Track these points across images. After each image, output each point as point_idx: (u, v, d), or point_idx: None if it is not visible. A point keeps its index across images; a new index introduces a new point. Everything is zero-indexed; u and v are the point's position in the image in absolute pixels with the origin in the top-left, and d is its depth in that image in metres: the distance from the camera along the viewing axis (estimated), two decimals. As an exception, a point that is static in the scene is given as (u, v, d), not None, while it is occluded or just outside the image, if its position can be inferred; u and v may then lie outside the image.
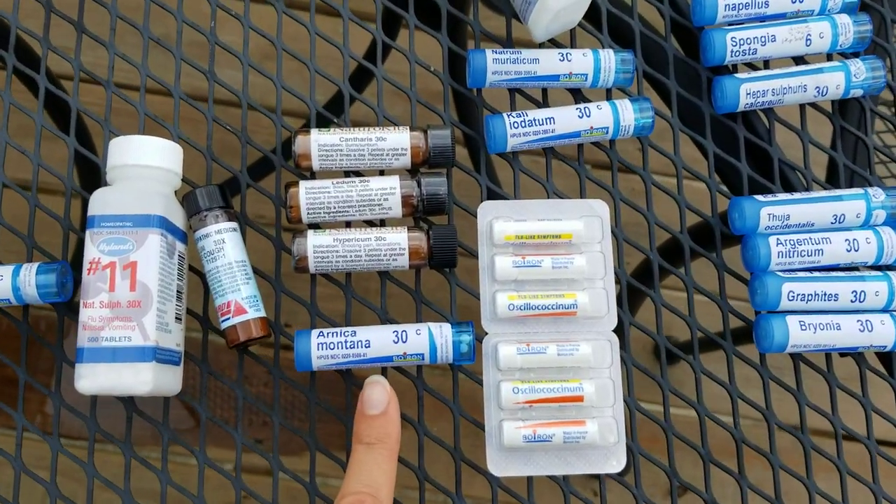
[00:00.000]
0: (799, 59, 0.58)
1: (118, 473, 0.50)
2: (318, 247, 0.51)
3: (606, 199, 0.55)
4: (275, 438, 0.52)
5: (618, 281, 0.54)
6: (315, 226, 0.53)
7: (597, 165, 0.57)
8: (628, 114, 0.54)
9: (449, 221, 0.54)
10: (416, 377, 0.52)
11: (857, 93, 0.56)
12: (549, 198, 0.55)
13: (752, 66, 0.58)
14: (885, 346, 0.53)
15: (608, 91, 0.57)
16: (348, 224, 0.53)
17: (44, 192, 0.56)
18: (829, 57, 0.58)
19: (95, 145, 0.65)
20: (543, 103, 0.57)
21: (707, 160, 0.57)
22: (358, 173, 0.54)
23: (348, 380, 0.52)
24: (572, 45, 0.58)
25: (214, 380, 0.52)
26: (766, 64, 0.58)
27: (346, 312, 0.53)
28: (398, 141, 0.52)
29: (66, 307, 0.51)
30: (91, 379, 0.46)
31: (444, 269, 0.53)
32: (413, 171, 0.54)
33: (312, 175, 0.54)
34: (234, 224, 0.51)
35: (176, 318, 0.49)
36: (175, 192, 0.52)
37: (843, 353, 0.55)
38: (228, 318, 0.50)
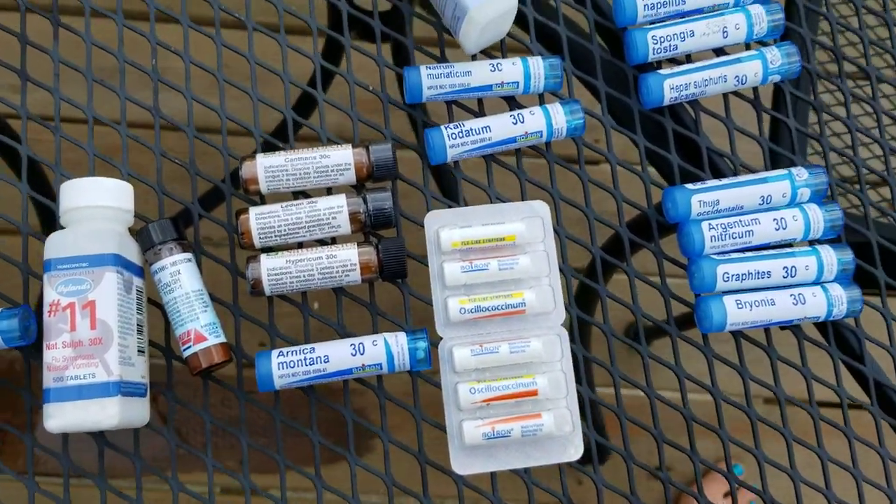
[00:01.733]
0: (719, 51, 0.61)
1: (96, 506, 0.52)
2: (271, 270, 0.53)
3: (547, 199, 0.57)
4: (244, 459, 0.53)
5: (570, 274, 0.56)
6: (268, 248, 0.55)
7: (536, 167, 0.59)
8: (560, 117, 0.57)
9: (398, 233, 0.56)
10: (377, 387, 0.54)
11: (775, 78, 0.59)
12: (491, 202, 0.58)
13: (675, 61, 0.61)
14: (819, 317, 0.56)
15: (541, 96, 0.59)
16: (300, 244, 0.55)
17: (4, 234, 0.57)
18: (748, 46, 0.61)
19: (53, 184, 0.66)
20: (480, 112, 0.59)
21: (640, 154, 0.60)
22: (306, 194, 0.56)
23: (310, 395, 0.54)
24: (503, 55, 0.60)
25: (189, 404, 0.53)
26: (689, 57, 0.61)
27: (304, 330, 0.55)
28: (341, 157, 0.54)
29: (34, 348, 0.53)
30: (59, 418, 0.47)
31: (396, 280, 0.55)
32: (359, 187, 0.56)
33: (262, 199, 0.56)
34: (188, 255, 0.53)
35: (138, 350, 0.51)
36: (129, 228, 0.54)
37: (782, 326, 0.58)
38: (189, 347, 0.52)
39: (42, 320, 0.49)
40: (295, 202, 0.54)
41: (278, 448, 0.53)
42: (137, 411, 0.50)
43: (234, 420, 0.54)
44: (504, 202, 0.57)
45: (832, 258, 0.56)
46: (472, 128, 0.56)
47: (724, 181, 0.57)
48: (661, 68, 0.60)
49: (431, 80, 0.56)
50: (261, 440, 0.55)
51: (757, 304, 0.55)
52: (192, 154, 0.57)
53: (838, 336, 0.58)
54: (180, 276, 0.52)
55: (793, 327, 0.57)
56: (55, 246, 0.49)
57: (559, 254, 0.57)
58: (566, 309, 0.55)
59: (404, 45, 0.60)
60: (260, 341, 0.54)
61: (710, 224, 0.56)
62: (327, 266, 0.53)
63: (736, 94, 0.61)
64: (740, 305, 0.55)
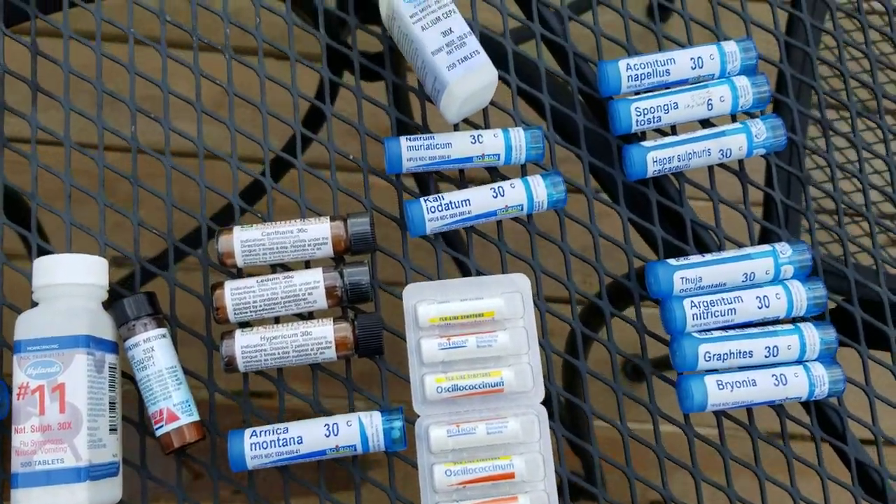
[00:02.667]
0: (706, 121, 0.60)
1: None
2: (245, 347, 0.52)
3: (528, 271, 0.57)
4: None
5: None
6: (245, 323, 0.54)
7: (518, 235, 0.58)
8: (541, 190, 0.56)
9: (376, 307, 0.56)
10: (353, 465, 0.54)
11: (760, 152, 0.59)
12: (472, 275, 0.57)
13: (660, 131, 0.60)
14: (801, 397, 0.55)
15: (523, 166, 0.59)
16: (277, 319, 0.55)
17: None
18: (734, 118, 0.61)
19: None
20: (462, 182, 0.58)
21: (623, 226, 0.59)
22: (285, 265, 0.56)
23: (286, 474, 0.53)
24: (486, 124, 0.59)
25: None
26: (674, 128, 0.60)
27: (279, 407, 0.54)
28: (319, 231, 0.54)
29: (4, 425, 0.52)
30: (27, 503, 0.47)
31: (380, 354, 0.54)
32: (338, 259, 0.56)
33: (239, 272, 0.55)
34: (162, 330, 0.52)
35: (110, 429, 0.50)
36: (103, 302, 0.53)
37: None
38: (162, 426, 0.51)
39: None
40: (271, 277, 0.53)
41: (252, 526, 0.53)
42: (108, 492, 0.50)
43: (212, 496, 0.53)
44: (484, 274, 0.57)
45: (815, 337, 0.55)
46: (452, 201, 0.55)
47: (707, 257, 0.56)
48: (645, 139, 0.59)
49: (411, 151, 0.56)
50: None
51: (738, 384, 0.54)
52: (170, 224, 0.57)
53: (821, 414, 0.58)
54: (153, 352, 0.51)
55: (776, 408, 0.57)
56: (25, 326, 0.49)
57: (540, 327, 0.56)
58: (546, 385, 0.54)
59: (401, 87, 0.59)
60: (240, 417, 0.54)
61: (692, 301, 0.55)
62: (302, 343, 0.52)
63: (723, 165, 0.60)
64: (721, 386, 0.54)
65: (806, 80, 0.62)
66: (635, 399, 0.56)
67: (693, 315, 0.55)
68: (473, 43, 0.54)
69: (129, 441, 0.53)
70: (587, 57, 0.61)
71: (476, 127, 0.59)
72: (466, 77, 0.54)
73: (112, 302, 0.52)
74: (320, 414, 0.53)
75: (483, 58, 0.54)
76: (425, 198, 0.56)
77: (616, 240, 0.59)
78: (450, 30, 0.54)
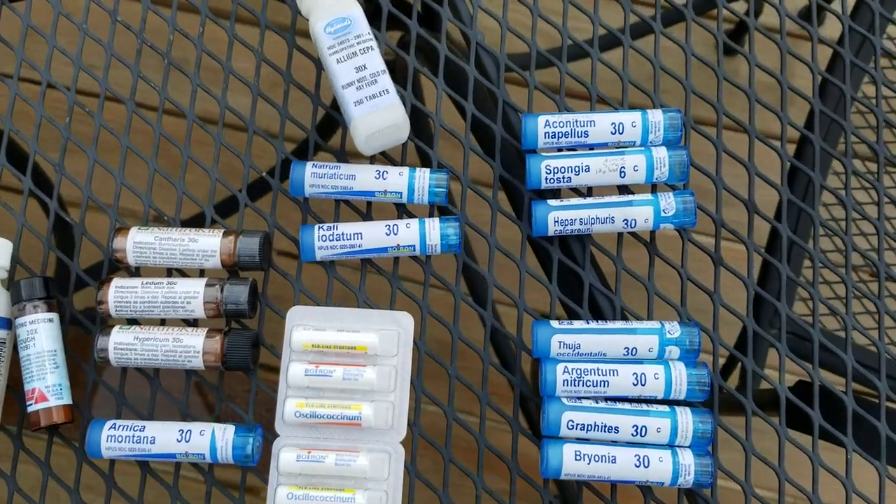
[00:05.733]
0: (624, 186, 0.59)
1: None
2: (118, 344, 0.54)
3: (417, 311, 0.57)
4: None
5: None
6: (134, 320, 0.56)
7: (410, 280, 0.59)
8: (435, 233, 0.56)
9: (260, 324, 0.57)
10: (207, 472, 0.55)
11: (668, 227, 0.57)
12: (359, 306, 0.58)
13: (579, 193, 0.60)
14: (663, 483, 0.54)
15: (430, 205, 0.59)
16: (163, 321, 0.57)
17: None
18: (654, 187, 0.60)
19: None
20: (367, 214, 0.59)
21: (520, 281, 0.59)
22: (182, 272, 0.58)
23: (144, 469, 0.55)
24: (403, 160, 0.60)
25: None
26: (590, 190, 0.60)
27: (150, 404, 0.56)
28: (208, 244, 0.56)
29: None
30: None
31: (247, 370, 0.56)
32: (234, 272, 0.57)
33: (138, 272, 0.58)
34: (51, 315, 0.55)
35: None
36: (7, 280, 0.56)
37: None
38: (31, 404, 0.54)
39: None
40: (156, 280, 0.55)
41: (105, 513, 0.55)
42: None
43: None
44: (373, 307, 0.57)
45: (688, 423, 0.54)
46: (344, 232, 0.56)
47: (592, 325, 0.55)
48: (559, 197, 0.59)
49: (315, 178, 0.57)
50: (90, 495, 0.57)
51: (597, 458, 0.53)
52: (84, 236, 0.60)
53: (691, 500, 0.56)
54: (37, 334, 0.54)
55: (642, 487, 0.55)
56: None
57: (416, 368, 0.56)
58: (409, 426, 0.55)
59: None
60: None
61: (565, 367, 0.54)
62: (171, 349, 0.54)
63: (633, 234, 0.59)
64: (578, 457, 0.53)
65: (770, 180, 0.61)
66: (498, 455, 0.56)
67: (564, 381, 0.54)
68: (385, 82, 0.55)
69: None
70: (517, 107, 0.61)
71: (383, 166, 0.59)
72: (371, 114, 0.55)
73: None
74: (188, 419, 0.55)
75: (392, 98, 0.55)
76: (320, 225, 0.57)
77: (510, 293, 0.58)
78: (364, 66, 0.55)
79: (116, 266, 0.57)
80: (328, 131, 0.65)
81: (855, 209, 0.61)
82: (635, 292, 0.60)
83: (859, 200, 0.71)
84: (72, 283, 0.58)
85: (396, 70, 0.62)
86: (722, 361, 0.67)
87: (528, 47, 0.63)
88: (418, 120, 0.62)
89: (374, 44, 0.56)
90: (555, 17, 0.64)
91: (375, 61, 0.55)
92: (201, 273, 0.57)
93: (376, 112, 0.55)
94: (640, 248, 0.60)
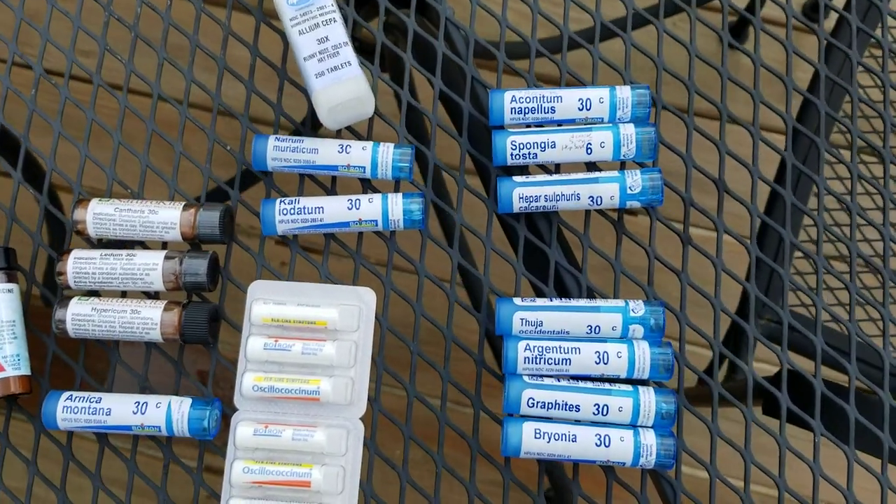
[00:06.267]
0: (592, 165, 0.59)
1: None
2: (76, 315, 0.54)
3: (380, 287, 0.56)
4: (28, 490, 0.55)
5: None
6: (93, 292, 0.56)
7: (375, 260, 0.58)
8: (397, 209, 0.56)
9: (221, 298, 0.57)
10: (165, 445, 0.55)
11: (634, 204, 0.57)
12: (322, 282, 0.57)
13: (546, 170, 0.59)
14: (624, 463, 0.53)
15: (396, 181, 0.58)
16: (124, 293, 0.56)
17: None
18: (623, 164, 0.59)
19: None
20: (332, 190, 0.59)
21: (485, 258, 0.58)
22: (143, 244, 0.57)
23: (102, 441, 0.55)
24: (369, 136, 0.59)
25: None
26: (558, 167, 0.59)
27: (109, 376, 0.56)
28: (168, 216, 0.55)
29: None
30: None
31: (206, 343, 0.55)
32: (196, 245, 0.57)
33: (101, 242, 0.57)
34: (10, 286, 0.55)
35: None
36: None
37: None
38: (-12, 374, 0.53)
39: None
40: (115, 251, 0.55)
41: (62, 485, 0.55)
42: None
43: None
44: (335, 283, 0.57)
45: (651, 403, 0.53)
46: (306, 206, 0.56)
47: (554, 302, 0.55)
48: (527, 174, 0.58)
49: (277, 151, 0.56)
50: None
51: (557, 437, 0.52)
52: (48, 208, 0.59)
53: (656, 483, 0.55)
54: (-5, 304, 0.54)
55: (605, 467, 0.55)
56: None
57: (379, 345, 0.56)
58: (370, 402, 0.54)
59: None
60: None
61: (527, 344, 0.54)
62: (129, 321, 0.53)
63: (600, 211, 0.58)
64: (538, 435, 0.52)
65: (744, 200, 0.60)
66: (458, 432, 0.55)
67: (525, 358, 0.53)
68: (347, 54, 0.54)
69: None
70: (486, 83, 0.61)
71: (346, 140, 0.59)
72: (333, 87, 0.54)
73: None
74: (147, 391, 0.55)
75: (354, 70, 0.54)
76: (281, 199, 0.56)
77: (475, 271, 0.58)
78: (326, 38, 0.54)
79: (91, 240, 0.57)
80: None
81: (829, 190, 0.60)
82: (607, 272, 0.59)
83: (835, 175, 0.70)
84: (33, 254, 0.58)
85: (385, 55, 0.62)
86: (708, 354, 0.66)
87: (499, 24, 0.62)
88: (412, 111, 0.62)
89: (337, 16, 0.55)
90: (528, -6, 0.63)
91: (338, 33, 0.55)
92: (164, 246, 0.57)
93: (338, 84, 0.54)
94: (610, 227, 0.59)
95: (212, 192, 0.60)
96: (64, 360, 0.56)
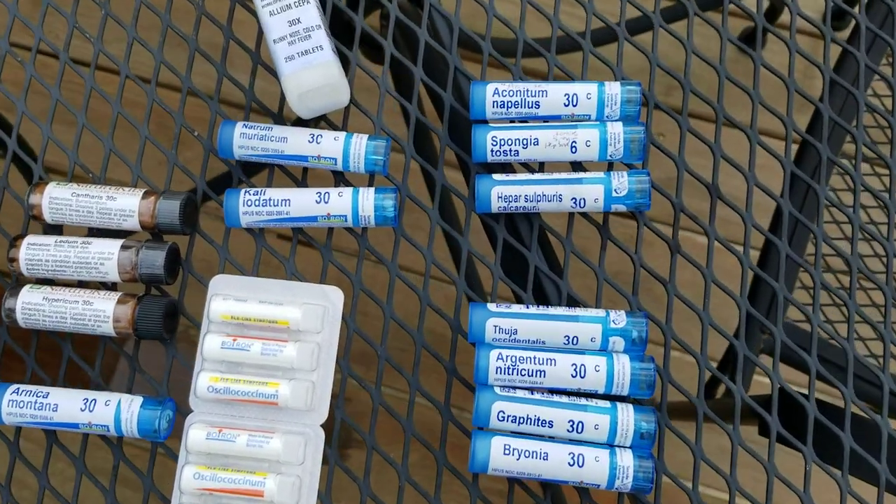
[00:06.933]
0: (577, 165, 0.55)
1: None
2: (26, 304, 0.51)
3: (348, 286, 0.53)
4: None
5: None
6: (49, 280, 0.53)
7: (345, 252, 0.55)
8: (368, 204, 0.53)
9: (182, 292, 0.54)
10: (115, 445, 0.52)
11: (620, 208, 0.53)
12: (288, 278, 0.54)
13: (530, 168, 0.56)
14: (599, 485, 0.49)
15: (371, 175, 0.55)
16: (80, 283, 0.54)
17: None
18: (611, 165, 0.55)
19: None
20: (302, 181, 0.56)
21: (459, 259, 0.55)
22: (102, 230, 0.55)
23: (50, 437, 0.52)
24: (345, 125, 0.56)
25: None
26: (542, 166, 0.55)
27: (60, 371, 0.53)
28: (126, 203, 0.52)
29: None
30: None
31: (161, 339, 0.53)
32: (157, 235, 0.54)
33: (58, 230, 0.55)
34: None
35: None
36: None
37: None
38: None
39: None
40: (70, 239, 0.52)
41: (7, 481, 0.52)
42: None
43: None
44: (301, 280, 0.54)
45: (629, 422, 0.49)
46: (272, 198, 0.53)
47: (530, 310, 0.51)
48: (510, 172, 0.55)
49: (244, 139, 0.53)
50: None
51: (527, 454, 0.49)
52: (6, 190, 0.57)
53: (633, 506, 0.52)
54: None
55: (578, 489, 0.51)
56: None
57: (345, 347, 0.53)
58: (332, 410, 0.51)
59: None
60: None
61: (499, 354, 0.50)
62: (81, 312, 0.51)
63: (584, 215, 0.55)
64: (508, 451, 0.49)
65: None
66: (423, 443, 0.52)
67: (497, 368, 0.50)
68: (320, 38, 0.51)
69: None
70: (469, 75, 0.57)
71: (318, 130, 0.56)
72: (303, 71, 0.51)
73: None
74: (99, 388, 0.52)
75: (326, 55, 0.51)
76: (246, 190, 0.53)
77: (450, 273, 0.55)
78: (297, 20, 0.51)
79: (55, 227, 0.54)
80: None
81: (829, 199, 0.56)
82: (591, 280, 0.55)
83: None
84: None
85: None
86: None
87: (486, 11, 0.59)
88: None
89: (311, -3, 0.52)
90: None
91: (311, 15, 0.52)
92: (124, 234, 0.54)
93: (309, 69, 0.51)
94: (595, 232, 0.55)
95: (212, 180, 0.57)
96: (17, 353, 0.54)
